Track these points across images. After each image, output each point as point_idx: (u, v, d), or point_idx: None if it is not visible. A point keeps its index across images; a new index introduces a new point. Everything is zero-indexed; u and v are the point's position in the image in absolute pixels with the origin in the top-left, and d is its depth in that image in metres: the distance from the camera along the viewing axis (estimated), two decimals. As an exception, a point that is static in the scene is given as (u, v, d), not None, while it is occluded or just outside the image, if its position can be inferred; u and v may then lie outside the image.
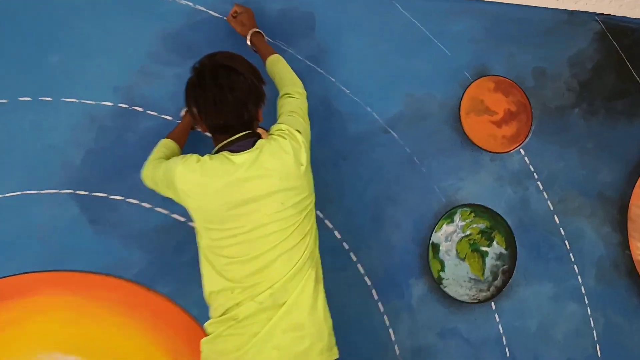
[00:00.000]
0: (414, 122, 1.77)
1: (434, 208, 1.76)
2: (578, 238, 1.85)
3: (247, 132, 1.31)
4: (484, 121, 1.81)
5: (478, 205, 1.78)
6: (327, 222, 1.67)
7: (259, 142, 1.29)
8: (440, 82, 1.79)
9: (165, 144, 1.44)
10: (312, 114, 1.46)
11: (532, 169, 1.83)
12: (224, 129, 1.30)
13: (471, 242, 1.77)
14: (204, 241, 1.30)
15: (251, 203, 1.24)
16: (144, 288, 1.53)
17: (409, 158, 1.75)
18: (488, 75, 1.81)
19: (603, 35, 1.90)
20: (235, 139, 1.30)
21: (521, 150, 1.82)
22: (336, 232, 1.68)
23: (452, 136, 1.79)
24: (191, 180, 1.25)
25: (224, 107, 1.27)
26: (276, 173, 1.26)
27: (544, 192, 1.83)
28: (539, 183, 1.83)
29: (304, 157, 1.30)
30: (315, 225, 1.35)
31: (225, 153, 1.27)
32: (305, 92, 1.47)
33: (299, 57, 1.70)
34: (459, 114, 1.79)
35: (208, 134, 1.36)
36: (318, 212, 1.64)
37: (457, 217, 1.77)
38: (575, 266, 1.84)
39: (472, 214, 1.78)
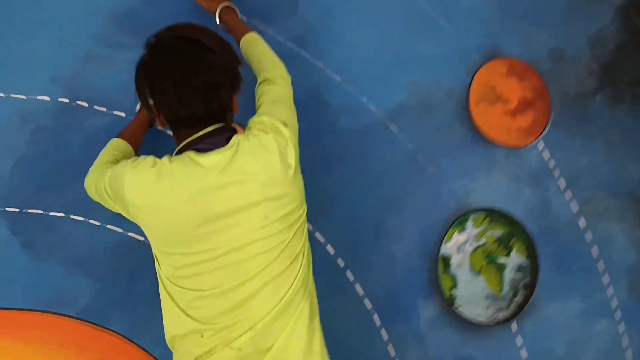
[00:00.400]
0: (418, 114, 1.50)
1: (442, 215, 1.49)
2: (607, 244, 1.60)
3: (218, 125, 1.03)
4: (497, 111, 1.55)
5: (493, 209, 1.52)
6: (317, 234, 1.40)
7: (235, 138, 1.01)
8: (447, 67, 1.52)
9: (115, 145, 1.16)
10: (296, 107, 1.19)
11: (553, 166, 1.58)
12: (188, 122, 1.02)
13: (487, 252, 1.52)
14: (163, 270, 1.01)
15: (225, 218, 0.96)
16: (92, 326, 1.24)
17: (412, 157, 1.48)
18: (499, 58, 1.56)
19: (626, 11, 1.66)
20: (204, 134, 1.02)
21: (539, 144, 1.57)
22: (329, 247, 1.41)
23: (462, 130, 1.53)
24: (144, 190, 0.96)
25: (188, 92, 0.98)
26: (258, 178, 0.97)
27: (567, 192, 1.58)
28: (560, 182, 1.58)
29: (292, 156, 1.02)
30: (307, 244, 1.08)
31: (190, 153, 0.99)
32: (289, 76, 1.19)
33: (279, 38, 1.43)
34: (468, 104, 1.54)
35: (169, 130, 1.07)
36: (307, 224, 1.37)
37: (469, 225, 1.51)
38: (604, 277, 1.60)
39: (487, 220, 1.52)
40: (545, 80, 1.59)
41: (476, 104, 1.53)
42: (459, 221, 1.49)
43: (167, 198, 0.95)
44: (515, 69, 1.57)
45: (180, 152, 1.02)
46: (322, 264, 1.38)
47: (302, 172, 1.10)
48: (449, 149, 1.51)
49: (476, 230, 1.50)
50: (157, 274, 1.03)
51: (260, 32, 1.38)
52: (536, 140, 1.56)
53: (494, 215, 1.52)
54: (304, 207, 1.06)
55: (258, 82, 1.18)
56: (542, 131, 1.57)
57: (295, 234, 1.01)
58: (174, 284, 0.99)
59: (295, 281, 1.00)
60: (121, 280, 1.29)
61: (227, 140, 1.01)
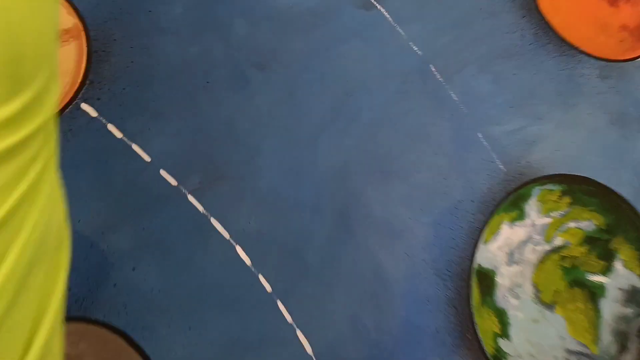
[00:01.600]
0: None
1: (480, 184, 0.76)
2: None
3: None
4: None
5: (577, 177, 0.78)
6: (238, 248, 0.66)
7: None
8: None
9: None
10: None
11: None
12: None
13: (568, 264, 0.77)
14: None
15: None
16: None
17: (422, 69, 0.75)
18: None
19: None
20: None
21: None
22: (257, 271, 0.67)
23: (518, 24, 0.80)
24: None
25: None
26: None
27: None
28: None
29: None
30: None
31: None
32: None
33: None
34: (528, -24, 0.80)
35: None
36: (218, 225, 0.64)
37: (532, 207, 0.77)
38: None
39: (567, 200, 0.78)
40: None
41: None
42: (512, 199, 0.75)
43: None
44: None
45: None
46: (250, 289, 0.64)
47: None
48: (492, 59, 0.77)
49: (546, 220, 0.76)
50: None
51: None
52: (654, 50, 0.82)
53: (579, 190, 0.78)
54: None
55: None
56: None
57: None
58: None
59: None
60: None
61: None
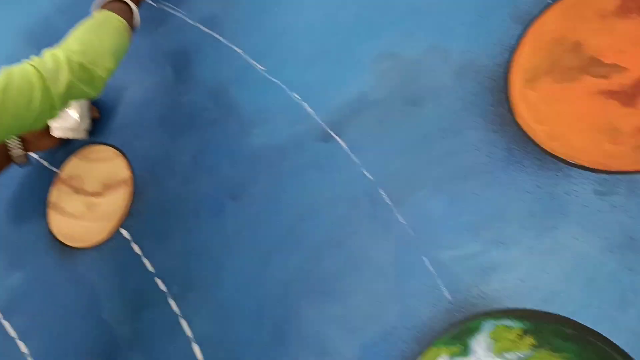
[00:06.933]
0: (388, 110, 0.79)
1: (420, 312, 0.69)
2: None
3: None
4: (581, 92, 0.70)
5: (547, 315, 0.63)
6: (195, 347, 0.82)
7: None
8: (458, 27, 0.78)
9: None
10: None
11: None
12: None
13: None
14: None
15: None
16: None
17: (372, 194, 0.77)
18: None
19: None
20: None
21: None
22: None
23: (487, 140, 0.72)
24: None
25: None
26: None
27: None
28: None
29: None
30: None
31: None
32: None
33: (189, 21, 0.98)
34: (506, 83, 0.73)
35: None
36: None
37: (480, 342, 0.66)
38: None
39: (531, 339, 0.64)
40: None
41: (529, 80, 0.72)
42: (455, 332, 0.66)
43: None
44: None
45: None
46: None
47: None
48: (449, 178, 0.73)
49: (498, 361, 0.64)
50: None
51: (168, 14, 0.99)
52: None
53: (549, 331, 0.63)
54: None
55: None
56: None
57: None
58: None
59: None
60: None
61: None
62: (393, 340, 0.70)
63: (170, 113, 0.95)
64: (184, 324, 0.81)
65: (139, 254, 0.87)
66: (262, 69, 0.89)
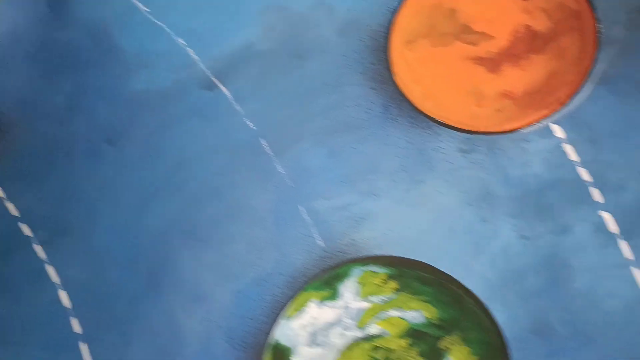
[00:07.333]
0: (273, 62, 0.80)
1: (294, 259, 0.73)
2: None
3: None
4: (455, 56, 0.75)
5: (409, 261, 0.69)
6: (61, 292, 0.79)
7: None
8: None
9: None
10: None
11: (587, 178, 0.68)
12: None
13: (380, 356, 0.68)
14: None
15: None
16: None
17: (253, 144, 0.78)
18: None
19: None
20: None
21: (556, 127, 0.70)
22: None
23: (365, 97, 0.76)
24: None
25: None
26: None
27: (611, 225, 0.66)
28: (601, 212, 0.66)
29: None
30: None
31: None
32: None
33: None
34: (387, 42, 0.77)
35: None
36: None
37: (348, 287, 0.70)
38: None
39: (394, 284, 0.70)
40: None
41: (407, 42, 0.75)
42: (325, 278, 0.70)
43: None
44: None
45: None
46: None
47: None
48: (329, 131, 0.76)
49: (363, 304, 0.69)
50: None
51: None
52: (549, 118, 0.69)
53: (411, 276, 0.69)
54: None
55: None
56: (566, 101, 0.69)
57: None
58: None
59: None
60: None
61: None
62: (267, 286, 0.72)
63: (44, 51, 0.88)
64: (51, 270, 0.77)
65: (1, 197, 0.82)
66: (146, 10, 0.86)
